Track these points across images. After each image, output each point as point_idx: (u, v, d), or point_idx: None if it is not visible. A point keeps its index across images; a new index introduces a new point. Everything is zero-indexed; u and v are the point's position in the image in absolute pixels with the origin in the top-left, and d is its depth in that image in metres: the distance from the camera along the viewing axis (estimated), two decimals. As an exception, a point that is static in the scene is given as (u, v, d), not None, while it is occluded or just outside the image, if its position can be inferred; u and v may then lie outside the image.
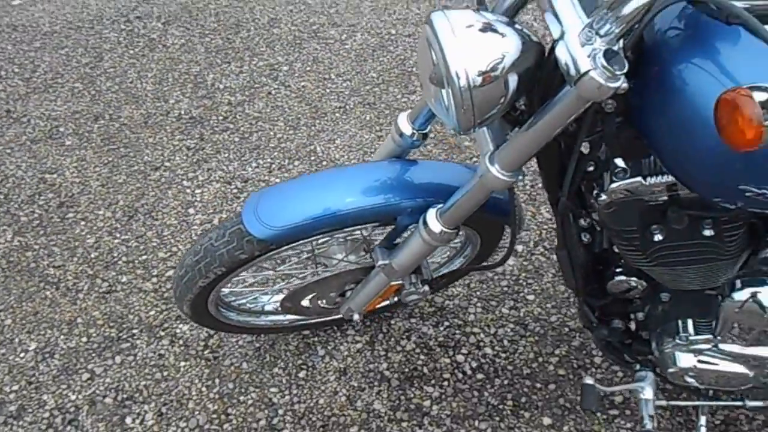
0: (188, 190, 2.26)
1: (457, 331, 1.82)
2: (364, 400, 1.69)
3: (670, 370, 1.31)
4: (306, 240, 1.33)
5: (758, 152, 0.80)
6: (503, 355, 1.77)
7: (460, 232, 1.63)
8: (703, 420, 1.44)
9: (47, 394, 1.73)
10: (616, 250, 1.28)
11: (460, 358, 1.76)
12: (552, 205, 1.19)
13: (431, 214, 1.21)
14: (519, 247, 2.00)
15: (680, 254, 1.11)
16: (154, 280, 1.99)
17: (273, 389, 1.72)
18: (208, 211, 2.18)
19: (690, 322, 1.29)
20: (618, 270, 1.28)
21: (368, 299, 1.48)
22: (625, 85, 0.81)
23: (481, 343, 1.79)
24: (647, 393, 1.39)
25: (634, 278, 1.26)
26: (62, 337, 1.86)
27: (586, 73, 0.80)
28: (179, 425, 1.66)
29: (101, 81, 2.76)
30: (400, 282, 1.41)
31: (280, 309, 1.67)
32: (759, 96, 0.68)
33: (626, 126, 0.96)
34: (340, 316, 1.75)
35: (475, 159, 2.29)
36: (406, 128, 1.32)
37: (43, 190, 2.30)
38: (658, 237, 1.08)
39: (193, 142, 2.43)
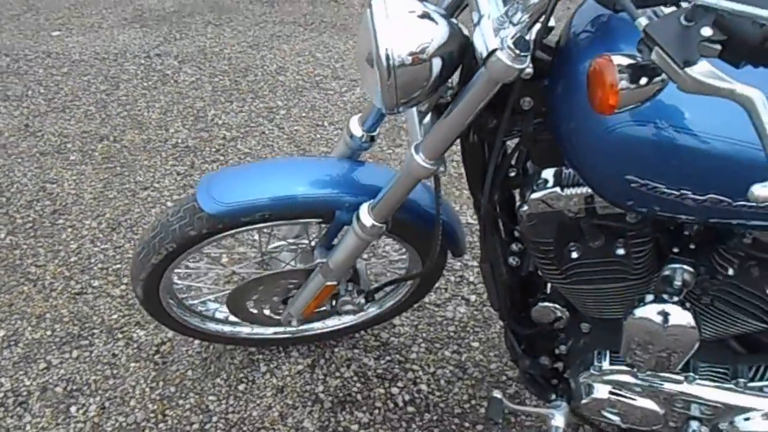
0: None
1: (397, 366, 1.89)
2: (296, 418, 1.76)
3: (584, 401, 1.34)
4: (253, 227, 1.43)
5: (623, 138, 0.87)
6: (438, 393, 1.83)
7: (404, 256, 1.73)
8: None
9: (5, 377, 1.84)
10: (541, 274, 1.32)
11: (394, 390, 1.83)
12: (476, 211, 1.24)
13: (364, 209, 1.29)
14: (472, 297, 2.09)
15: (593, 272, 1.16)
16: (123, 287, 2.11)
17: (211, 397, 1.80)
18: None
19: (606, 353, 1.33)
20: (542, 296, 1.34)
21: (306, 302, 1.56)
22: (529, 70, 0.90)
23: (418, 380, 1.86)
24: (557, 420, 1.43)
25: (558, 305, 1.32)
26: (30, 328, 1.98)
27: (494, 52, 0.88)
28: (118, 419, 1.75)
29: (113, 107, 2.97)
30: (335, 283, 1.49)
31: (229, 317, 1.78)
32: (618, 60, 0.74)
33: (543, 128, 1.03)
34: (282, 335, 1.86)
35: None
36: (357, 130, 1.42)
37: (42, 197, 2.47)
38: (574, 254, 1.13)
39: (184, 169, 2.59)
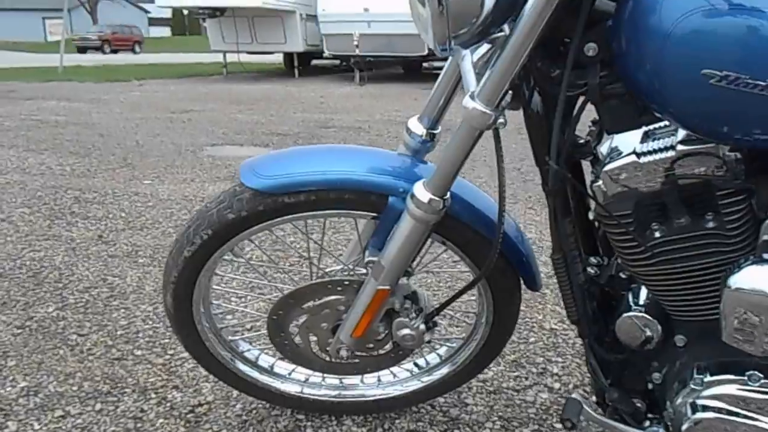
0: (233, 304, 2.26)
1: (468, 439, 1.55)
2: (342, 482, 1.42)
3: (684, 426, 1.05)
4: (297, 215, 1.30)
5: (699, 26, 0.81)
6: (518, 473, 1.47)
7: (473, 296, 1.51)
8: None
9: (13, 420, 1.61)
10: (623, 276, 1.17)
11: (465, 465, 1.48)
12: (544, 189, 1.11)
13: (418, 185, 1.18)
14: (556, 385, 1.77)
15: (682, 249, 1.01)
16: (167, 356, 1.91)
17: (244, 455, 1.50)
18: (244, 323, 2.15)
19: (706, 365, 1.08)
20: (626, 307, 1.14)
21: (357, 317, 1.34)
22: None
23: (494, 457, 1.51)
24: None
25: (646, 315, 1.11)
26: (55, 382, 1.77)
27: None
28: (130, 465, 1.45)
29: (190, 228, 2.99)
30: (388, 287, 1.28)
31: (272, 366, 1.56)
32: None
33: (610, 80, 0.97)
34: (332, 398, 1.59)
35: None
36: (417, 128, 1.34)
37: (101, 286, 2.39)
38: (657, 233, 1.01)
39: (255, 275, 2.51)
